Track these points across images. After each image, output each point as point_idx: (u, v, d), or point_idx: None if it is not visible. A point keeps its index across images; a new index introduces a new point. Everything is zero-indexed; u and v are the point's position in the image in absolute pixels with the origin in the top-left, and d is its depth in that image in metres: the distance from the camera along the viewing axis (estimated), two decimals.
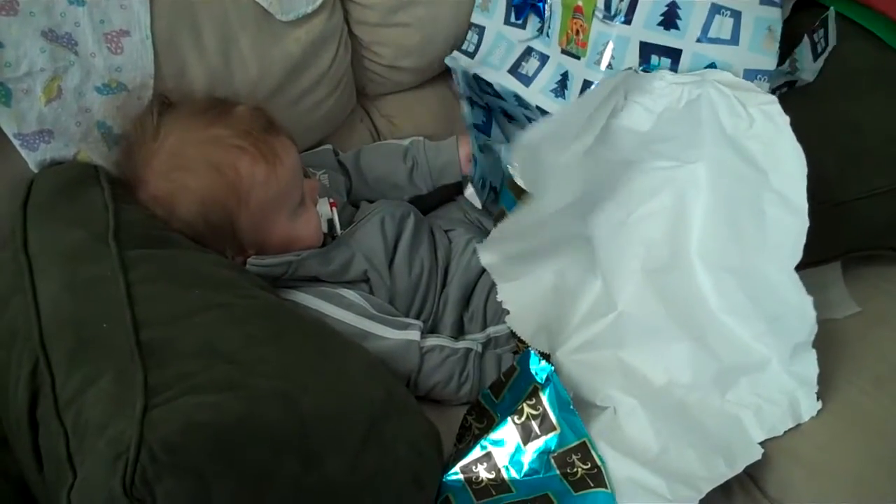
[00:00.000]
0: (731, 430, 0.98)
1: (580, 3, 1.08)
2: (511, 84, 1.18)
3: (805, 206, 0.94)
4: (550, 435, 0.94)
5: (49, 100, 1.01)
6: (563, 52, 1.12)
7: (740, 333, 1.03)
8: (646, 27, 1.03)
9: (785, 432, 0.98)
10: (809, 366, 0.98)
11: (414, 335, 1.06)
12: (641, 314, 1.07)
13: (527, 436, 0.95)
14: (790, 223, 0.95)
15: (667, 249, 1.08)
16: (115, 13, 1.04)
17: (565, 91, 1.12)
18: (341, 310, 1.04)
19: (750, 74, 1.03)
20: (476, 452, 0.96)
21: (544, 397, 0.95)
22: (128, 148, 1.04)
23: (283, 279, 1.06)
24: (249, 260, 1.03)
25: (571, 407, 0.95)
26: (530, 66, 1.17)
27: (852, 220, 0.99)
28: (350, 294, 1.07)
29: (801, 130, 1.02)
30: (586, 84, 1.07)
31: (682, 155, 1.08)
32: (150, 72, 1.07)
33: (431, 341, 1.08)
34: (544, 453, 0.94)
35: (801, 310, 0.95)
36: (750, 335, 1.02)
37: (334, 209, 1.10)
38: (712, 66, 1.04)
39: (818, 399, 0.98)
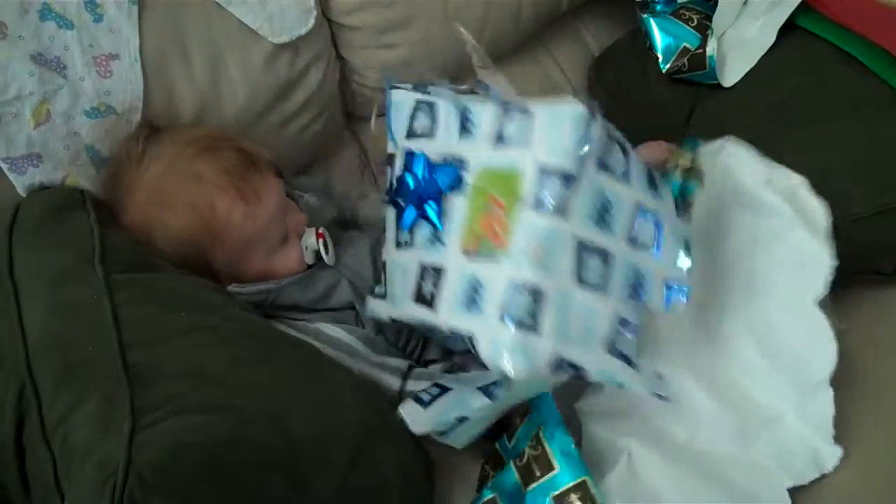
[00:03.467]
0: (759, 479, 0.98)
1: (494, 195, 0.92)
2: (420, 314, 0.96)
3: (830, 249, 0.99)
4: (550, 475, 0.91)
5: (38, 123, 1.01)
6: (470, 255, 0.93)
7: (753, 391, 1.03)
8: (583, 223, 0.91)
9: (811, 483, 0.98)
10: (826, 406, 0.99)
11: (392, 382, 1.03)
12: (660, 367, 1.03)
13: (527, 478, 0.93)
14: (813, 259, 0.99)
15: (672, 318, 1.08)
16: (103, 37, 1.05)
17: (479, 302, 0.90)
18: (319, 344, 1.02)
19: (670, 292, 0.96)
20: (484, 499, 0.95)
21: (544, 437, 0.93)
22: (113, 171, 1.04)
23: (264, 307, 1.05)
24: (230, 287, 1.03)
25: (573, 447, 0.92)
26: (428, 286, 0.96)
27: (837, 245, 1.01)
28: (330, 328, 1.05)
29: (783, 155, 1.06)
30: (512, 286, 0.88)
31: None
32: (139, 95, 1.07)
33: (412, 386, 1.03)
34: (544, 494, 0.91)
35: (822, 346, 0.98)
36: (763, 392, 1.03)
37: (321, 241, 1.09)
38: (638, 274, 0.94)
39: (836, 443, 0.98)
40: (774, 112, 1.21)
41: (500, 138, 0.94)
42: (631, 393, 1.03)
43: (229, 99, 1.14)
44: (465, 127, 0.97)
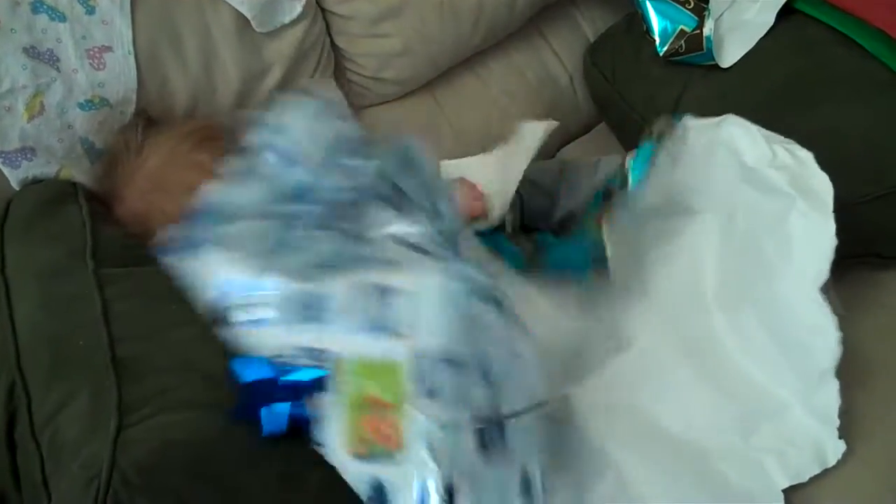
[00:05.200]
0: (754, 477, 0.96)
1: (374, 394, 0.81)
2: None
3: (833, 226, 0.97)
4: None
5: (31, 116, 1.01)
6: (362, 458, 0.81)
7: (759, 378, 1.03)
8: (476, 397, 0.83)
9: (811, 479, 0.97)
10: (831, 397, 0.98)
11: None
12: (658, 355, 1.06)
13: None
14: (817, 243, 0.98)
15: (683, 294, 1.08)
16: (96, 29, 1.04)
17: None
18: None
19: None
20: None
21: None
22: (110, 162, 1.04)
23: None
24: None
25: None
26: None
27: (838, 228, 1.00)
28: None
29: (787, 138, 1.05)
30: (422, 488, 0.79)
31: (693, 203, 1.10)
32: (132, 87, 1.07)
33: None
34: None
35: (823, 333, 0.97)
36: (769, 379, 1.02)
37: None
38: None
39: (840, 437, 0.98)
40: (774, 95, 1.20)
41: (365, 323, 0.83)
42: (627, 382, 1.04)
43: (223, 89, 1.14)
44: (311, 311, 0.85)
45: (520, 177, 1.16)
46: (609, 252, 1.06)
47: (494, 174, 1.22)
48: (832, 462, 0.97)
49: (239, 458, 0.75)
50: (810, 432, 0.99)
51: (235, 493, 0.74)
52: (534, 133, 1.21)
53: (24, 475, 0.77)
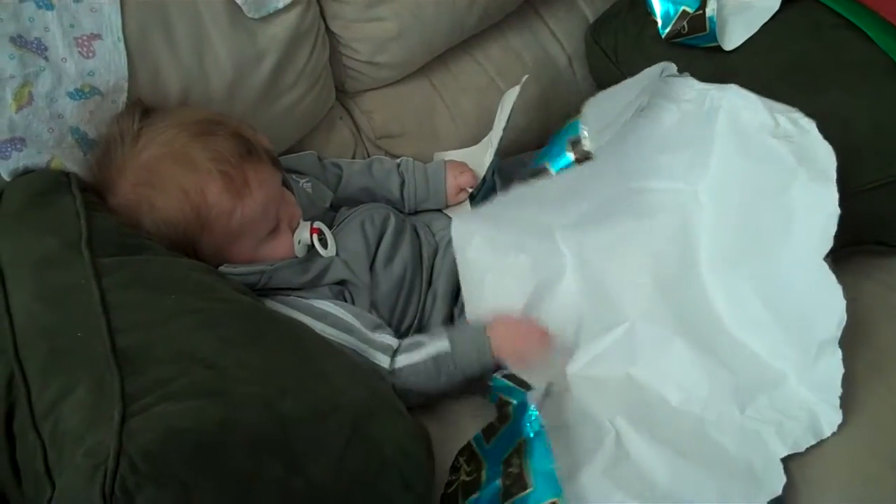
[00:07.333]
0: (752, 447, 0.96)
1: None
2: None
3: (836, 195, 0.97)
4: (523, 494, 0.88)
5: (20, 107, 0.99)
6: None
7: (756, 349, 1.03)
8: None
9: (808, 449, 0.97)
10: (833, 367, 0.97)
11: (381, 359, 1.03)
12: (653, 327, 1.05)
13: (505, 494, 0.90)
14: (821, 212, 0.98)
15: (675, 265, 1.08)
16: (85, 17, 1.03)
17: None
18: (311, 319, 1.02)
19: None
20: None
21: (524, 454, 0.90)
22: (105, 150, 1.03)
23: (256, 288, 1.03)
24: (221, 267, 1.02)
25: (552, 466, 0.88)
26: None
27: (843, 215, 0.99)
28: (323, 304, 1.05)
29: None
30: None
31: (685, 176, 1.09)
32: (123, 75, 1.05)
33: (401, 361, 1.03)
34: None
35: (829, 300, 0.96)
36: (766, 351, 1.02)
37: (315, 235, 1.08)
38: None
39: (840, 406, 0.97)
40: (778, 78, 1.18)
41: None
42: (623, 356, 1.04)
43: (216, 76, 1.13)
44: None
45: (499, 133, 1.18)
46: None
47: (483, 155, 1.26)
48: (827, 433, 0.97)
49: (243, 446, 0.75)
50: (806, 403, 0.98)
51: (239, 481, 0.74)
52: (509, 96, 1.22)
53: (25, 466, 0.76)
